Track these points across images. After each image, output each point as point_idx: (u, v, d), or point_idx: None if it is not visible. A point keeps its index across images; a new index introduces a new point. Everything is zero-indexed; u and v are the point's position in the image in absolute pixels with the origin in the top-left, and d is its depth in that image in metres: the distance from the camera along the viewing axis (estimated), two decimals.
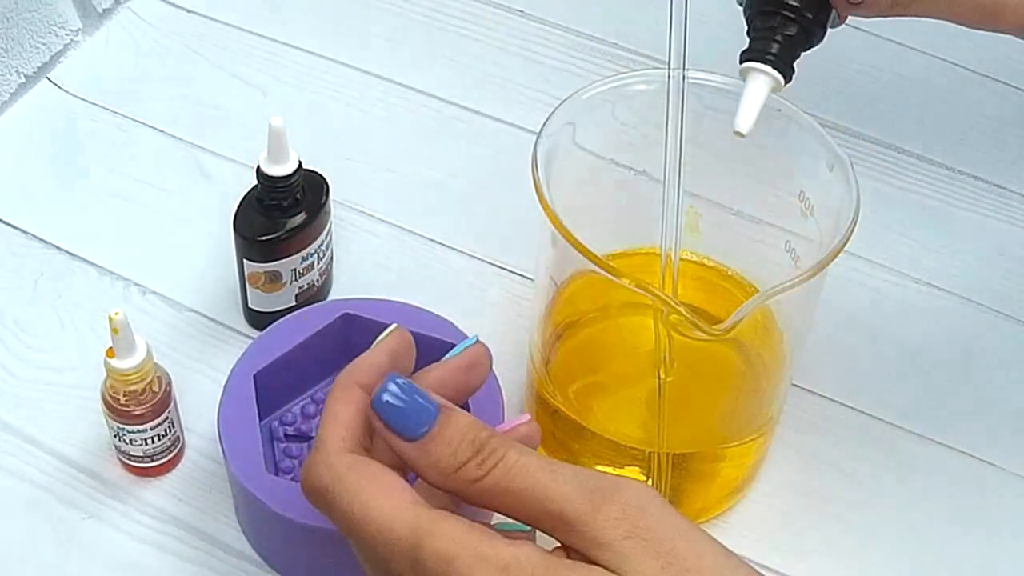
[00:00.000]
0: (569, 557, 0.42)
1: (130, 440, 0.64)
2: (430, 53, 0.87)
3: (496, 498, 0.43)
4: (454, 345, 0.50)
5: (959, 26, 0.63)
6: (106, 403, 0.63)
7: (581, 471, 0.43)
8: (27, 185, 0.79)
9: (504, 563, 0.41)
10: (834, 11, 0.61)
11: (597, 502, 0.42)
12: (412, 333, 0.64)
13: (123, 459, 0.65)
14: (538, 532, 0.44)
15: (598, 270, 0.54)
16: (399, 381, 0.45)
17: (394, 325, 0.50)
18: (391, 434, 0.44)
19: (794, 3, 0.59)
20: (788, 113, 0.60)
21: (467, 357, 0.49)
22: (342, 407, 0.47)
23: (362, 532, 0.43)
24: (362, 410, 0.46)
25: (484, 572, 0.41)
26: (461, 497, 0.44)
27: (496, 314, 0.73)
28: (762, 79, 0.58)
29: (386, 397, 0.44)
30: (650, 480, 0.61)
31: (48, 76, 0.85)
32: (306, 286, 0.71)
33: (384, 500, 0.43)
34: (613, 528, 0.41)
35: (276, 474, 0.64)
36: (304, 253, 0.69)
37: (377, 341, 0.49)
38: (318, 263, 0.70)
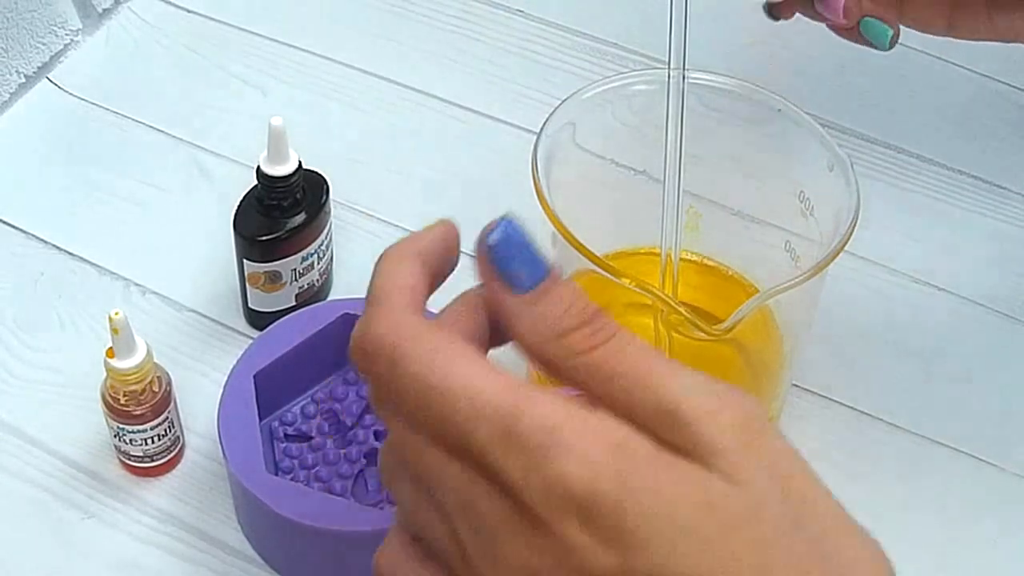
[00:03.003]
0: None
1: (130, 440, 0.64)
2: (430, 53, 0.87)
3: (599, 378, 0.37)
4: None
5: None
6: (106, 403, 0.63)
7: (695, 370, 0.38)
8: (27, 185, 0.79)
9: (616, 440, 0.36)
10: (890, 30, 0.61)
11: (717, 404, 0.37)
12: None
13: (123, 459, 0.65)
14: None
15: (598, 270, 0.54)
16: (516, 223, 0.39)
17: (440, 220, 0.44)
18: (497, 283, 0.39)
19: None
20: (788, 113, 0.60)
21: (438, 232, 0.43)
22: (401, 270, 0.40)
23: (439, 398, 0.37)
24: (424, 277, 0.40)
25: (592, 445, 0.35)
26: (556, 373, 0.38)
27: None
28: None
29: (501, 237, 0.38)
30: None
31: (48, 76, 0.85)
32: (306, 286, 0.71)
33: (470, 366, 0.37)
34: (733, 436, 0.36)
35: (276, 474, 0.64)
36: (304, 253, 0.69)
37: (425, 230, 0.43)
38: (318, 263, 0.70)
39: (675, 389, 0.37)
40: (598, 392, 0.38)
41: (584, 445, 0.35)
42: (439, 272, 0.42)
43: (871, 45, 0.63)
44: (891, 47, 0.63)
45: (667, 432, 0.36)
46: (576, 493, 0.35)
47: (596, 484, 0.35)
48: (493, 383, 0.37)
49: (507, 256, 0.39)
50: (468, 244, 0.83)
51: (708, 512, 0.36)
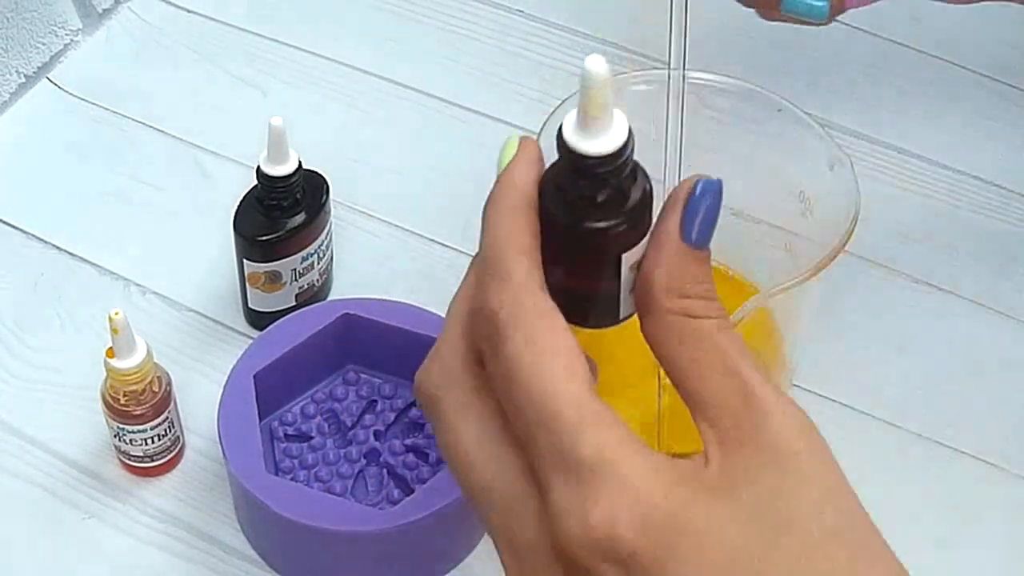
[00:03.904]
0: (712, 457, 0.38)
1: (130, 440, 0.64)
2: (430, 53, 0.87)
3: (698, 346, 0.39)
4: None
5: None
6: (106, 403, 0.63)
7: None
8: (27, 185, 0.79)
9: (669, 483, 0.36)
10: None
11: (791, 406, 0.38)
12: (412, 333, 0.65)
13: (123, 459, 0.65)
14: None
15: None
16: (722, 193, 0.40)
17: (513, 136, 0.44)
18: (677, 225, 0.40)
19: None
20: (788, 113, 0.60)
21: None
22: (522, 230, 0.40)
23: (519, 388, 0.38)
24: (537, 236, 0.40)
25: (643, 491, 0.36)
26: (654, 326, 0.40)
27: None
28: None
29: (713, 189, 0.40)
30: None
31: (48, 76, 0.85)
32: (306, 286, 0.71)
33: (559, 365, 0.38)
34: (793, 437, 0.38)
35: (276, 474, 0.64)
36: (304, 253, 0.69)
37: (507, 156, 0.43)
38: (318, 263, 0.70)
39: (756, 378, 0.38)
40: (691, 359, 0.39)
41: (636, 487, 0.36)
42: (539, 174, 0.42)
43: (807, 22, 0.63)
44: (829, 21, 0.62)
45: (742, 412, 0.38)
46: (616, 541, 0.35)
47: (639, 537, 0.35)
48: (571, 394, 0.37)
49: (705, 205, 0.40)
50: (468, 244, 0.83)
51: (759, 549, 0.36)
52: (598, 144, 0.39)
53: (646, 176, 0.41)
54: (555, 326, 0.39)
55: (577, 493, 0.36)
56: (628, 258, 0.41)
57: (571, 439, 0.36)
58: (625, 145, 0.39)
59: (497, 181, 0.42)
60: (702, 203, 0.40)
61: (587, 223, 0.40)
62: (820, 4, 0.63)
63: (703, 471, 0.38)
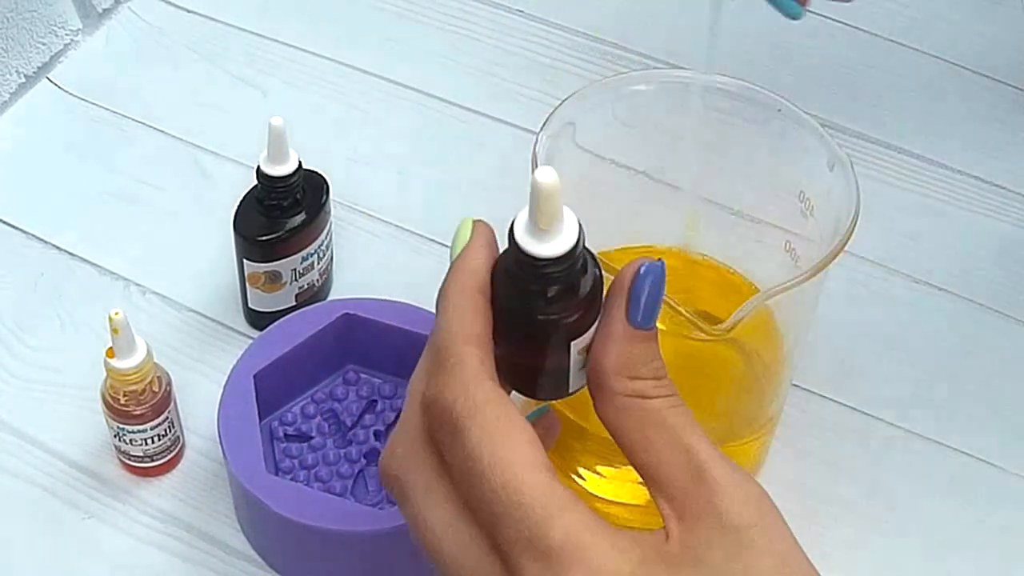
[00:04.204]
0: (671, 534, 0.40)
1: (130, 440, 0.64)
2: (430, 53, 0.87)
3: (650, 425, 0.41)
4: None
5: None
6: (106, 403, 0.63)
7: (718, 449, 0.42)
8: (27, 185, 0.79)
9: (634, 563, 0.38)
10: None
11: (739, 476, 0.40)
12: (412, 333, 0.65)
13: (123, 459, 0.65)
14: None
15: None
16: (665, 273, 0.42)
17: (468, 219, 0.45)
18: (623, 310, 0.42)
19: None
20: (788, 113, 0.60)
21: (541, 425, 0.47)
22: (473, 320, 0.42)
23: (483, 481, 0.39)
24: (489, 324, 0.42)
25: (617, 565, 0.38)
26: (607, 407, 0.42)
27: None
28: None
29: (657, 273, 0.42)
30: None
31: (48, 76, 0.85)
32: (306, 286, 0.71)
33: (520, 456, 0.39)
34: (744, 509, 0.40)
35: (276, 474, 0.64)
36: (304, 253, 0.69)
37: (461, 244, 0.44)
38: (318, 263, 0.70)
39: (707, 453, 0.41)
40: (639, 436, 0.41)
41: (604, 567, 0.38)
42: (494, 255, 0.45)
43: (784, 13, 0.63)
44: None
45: (682, 491, 0.40)
46: None
47: None
48: (533, 480, 0.39)
49: (649, 288, 0.42)
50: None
51: None
52: (549, 248, 0.40)
53: (596, 262, 0.43)
54: (510, 416, 0.40)
55: (551, 572, 0.38)
56: (578, 343, 0.43)
57: (540, 528, 0.38)
58: (575, 246, 0.41)
59: (451, 267, 0.44)
60: (645, 286, 0.42)
61: (538, 314, 0.42)
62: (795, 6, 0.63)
63: (664, 546, 0.40)
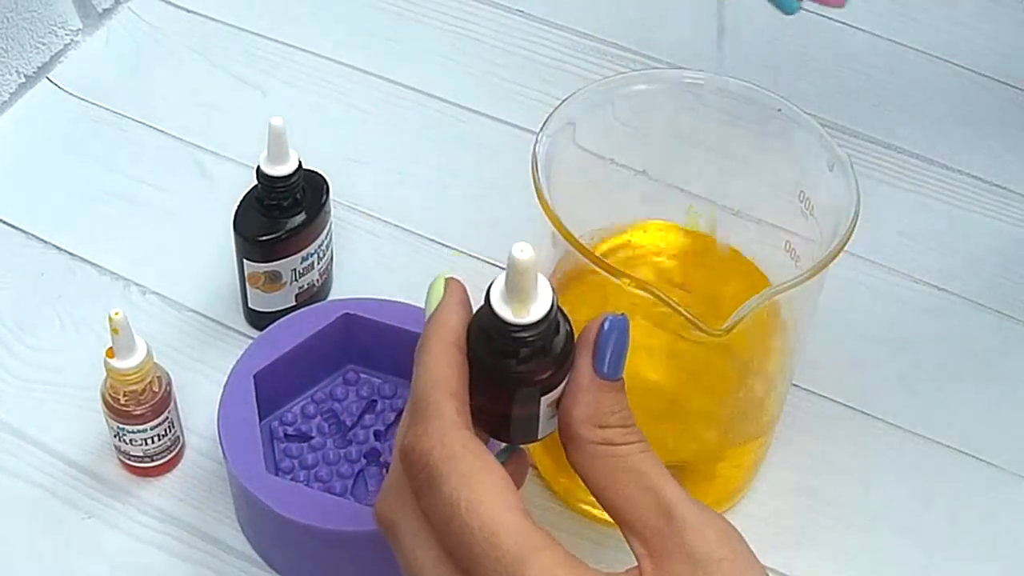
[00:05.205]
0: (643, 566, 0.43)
1: (130, 440, 0.64)
2: (430, 53, 0.87)
3: (620, 471, 0.44)
4: None
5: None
6: (106, 403, 0.63)
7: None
8: (27, 185, 0.79)
9: None
10: None
11: (708, 515, 0.43)
12: (412, 333, 0.65)
13: (123, 459, 0.65)
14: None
15: (597, 269, 0.54)
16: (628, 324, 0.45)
17: (441, 276, 0.48)
18: (591, 360, 0.45)
19: None
20: (788, 113, 0.60)
21: (512, 463, 0.49)
22: (450, 372, 0.45)
23: (461, 525, 0.42)
24: (465, 377, 0.45)
25: None
26: (578, 455, 0.45)
27: None
28: None
29: (620, 325, 0.45)
30: None
31: (48, 76, 0.85)
32: (306, 286, 0.71)
33: (495, 499, 0.42)
34: (714, 545, 0.42)
35: (276, 474, 0.64)
36: (304, 253, 0.69)
37: (436, 299, 0.47)
38: (318, 263, 0.70)
39: (676, 495, 0.43)
40: (609, 482, 0.44)
41: None
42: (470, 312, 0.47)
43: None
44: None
45: (653, 531, 0.43)
46: None
47: None
48: (510, 525, 0.41)
49: (614, 341, 0.45)
50: (468, 244, 0.83)
51: None
52: (524, 316, 0.43)
53: (567, 320, 0.46)
54: (485, 463, 0.43)
55: None
56: (549, 397, 0.46)
57: (516, 567, 0.40)
58: (548, 312, 0.44)
59: (429, 321, 0.46)
60: (610, 339, 0.45)
61: (511, 371, 0.45)
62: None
63: None
